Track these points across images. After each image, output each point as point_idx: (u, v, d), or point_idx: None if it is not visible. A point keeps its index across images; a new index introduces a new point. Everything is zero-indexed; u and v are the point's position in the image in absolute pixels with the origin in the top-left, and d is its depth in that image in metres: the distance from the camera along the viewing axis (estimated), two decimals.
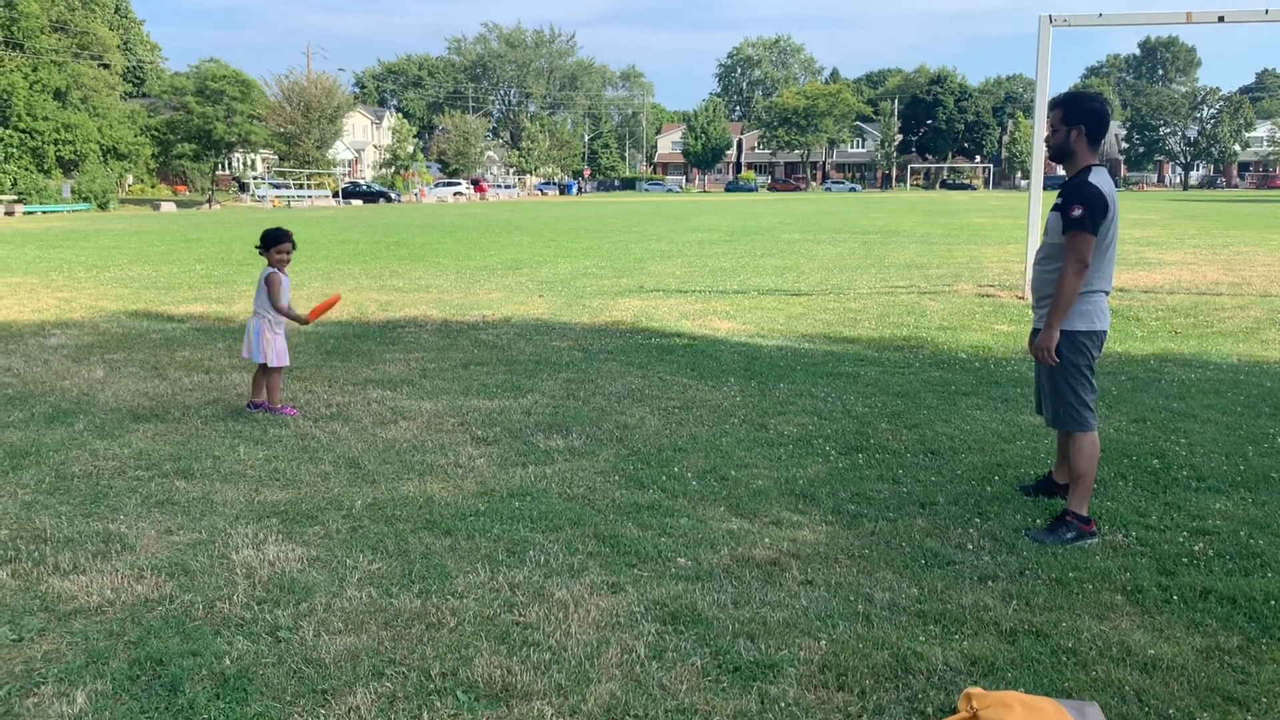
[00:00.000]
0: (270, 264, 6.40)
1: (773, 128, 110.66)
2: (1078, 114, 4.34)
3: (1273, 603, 3.55)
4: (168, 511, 4.55)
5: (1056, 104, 4.42)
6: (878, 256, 18.91)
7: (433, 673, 3.10)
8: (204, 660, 3.16)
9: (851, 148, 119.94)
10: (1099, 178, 4.23)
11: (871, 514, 4.50)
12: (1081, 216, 4.12)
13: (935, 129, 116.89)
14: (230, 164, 72.49)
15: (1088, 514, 4.28)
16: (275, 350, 6.32)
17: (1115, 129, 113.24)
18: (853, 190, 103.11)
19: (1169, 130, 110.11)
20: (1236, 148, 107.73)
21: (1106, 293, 4.34)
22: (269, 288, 6.33)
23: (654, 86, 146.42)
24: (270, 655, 3.21)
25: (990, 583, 3.76)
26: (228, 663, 3.15)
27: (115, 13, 78.51)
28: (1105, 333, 4.34)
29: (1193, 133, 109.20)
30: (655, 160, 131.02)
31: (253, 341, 6.32)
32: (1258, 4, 11.11)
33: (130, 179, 62.55)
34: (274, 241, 6.39)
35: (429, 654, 3.21)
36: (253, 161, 74.42)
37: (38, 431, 5.93)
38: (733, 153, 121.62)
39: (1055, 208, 4.29)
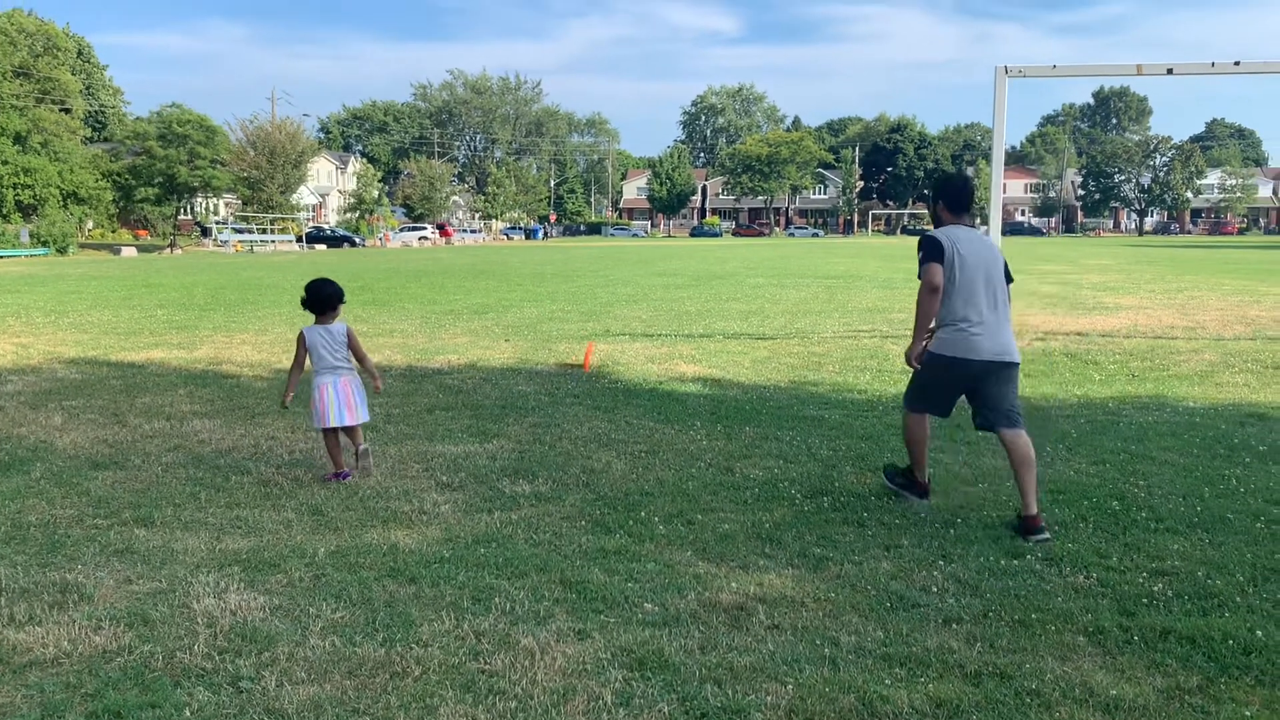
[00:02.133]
0: (334, 319, 5.97)
1: (736, 174, 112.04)
2: (936, 191, 5.56)
3: (1231, 642, 3.60)
4: (127, 560, 4.48)
5: (932, 187, 5.59)
6: (841, 301, 19.11)
7: None
8: (164, 712, 3.11)
9: (814, 194, 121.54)
10: (942, 230, 5.27)
11: (837, 557, 4.52)
12: (921, 259, 5.16)
13: (896, 175, 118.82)
14: (193, 208, 72.13)
15: (914, 477, 5.44)
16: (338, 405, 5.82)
17: (1071, 176, 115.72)
18: (816, 235, 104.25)
19: (1123, 177, 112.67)
20: (1189, 195, 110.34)
21: (971, 323, 5.10)
22: (356, 342, 5.94)
23: (619, 133, 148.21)
24: (232, 706, 3.16)
25: (955, 625, 3.78)
26: (188, 714, 3.10)
27: (78, 57, 78.28)
28: (956, 359, 5.11)
29: (1146, 180, 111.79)
30: (621, 205, 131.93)
31: (357, 401, 5.83)
32: (1203, 56, 11.43)
33: (91, 224, 62.01)
34: (341, 298, 6.01)
35: (393, 703, 3.18)
36: (215, 206, 74.09)
37: None
38: (697, 198, 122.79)
39: None
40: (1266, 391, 8.78)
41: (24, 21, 61.19)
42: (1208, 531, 4.87)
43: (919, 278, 5.13)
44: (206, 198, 68.56)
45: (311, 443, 6.78)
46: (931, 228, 5.47)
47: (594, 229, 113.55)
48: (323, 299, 5.93)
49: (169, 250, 56.40)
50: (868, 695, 3.21)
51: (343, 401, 5.79)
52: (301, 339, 5.89)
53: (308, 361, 5.93)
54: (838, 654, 3.52)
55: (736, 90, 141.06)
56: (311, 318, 5.99)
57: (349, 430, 5.89)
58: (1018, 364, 5.21)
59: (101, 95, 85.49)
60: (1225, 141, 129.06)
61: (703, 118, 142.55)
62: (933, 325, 5.19)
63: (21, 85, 55.66)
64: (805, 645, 3.60)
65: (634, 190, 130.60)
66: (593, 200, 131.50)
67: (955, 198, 5.42)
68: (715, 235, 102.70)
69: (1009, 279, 5.37)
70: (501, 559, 4.48)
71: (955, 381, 5.24)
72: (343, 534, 4.86)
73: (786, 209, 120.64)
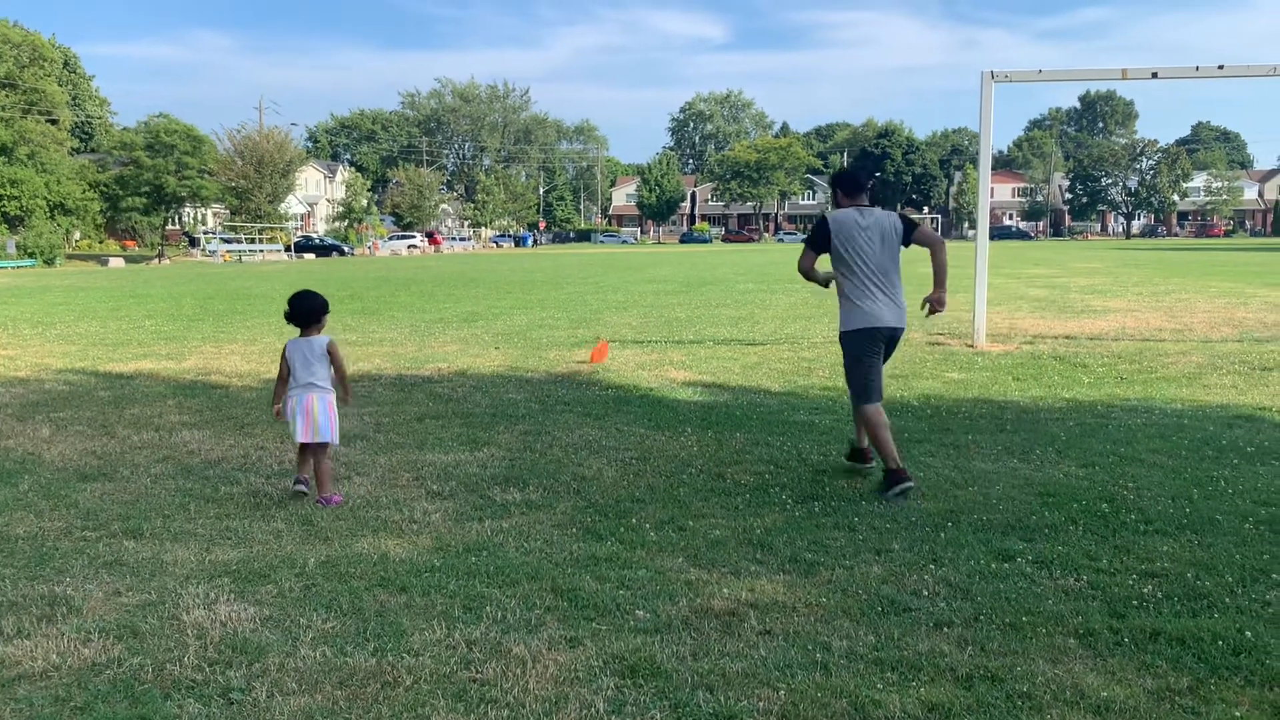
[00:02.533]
0: (318, 331, 5.78)
1: (725, 180, 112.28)
2: (833, 183, 6.52)
3: (1220, 643, 3.61)
4: (116, 572, 4.46)
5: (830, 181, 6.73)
6: (830, 306, 19.10)
7: None
8: None
9: (803, 200, 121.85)
10: (835, 213, 6.07)
11: (828, 562, 4.53)
12: (805, 240, 6.24)
13: (884, 181, 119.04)
14: (180, 218, 71.96)
15: (896, 465, 5.64)
16: (337, 425, 5.73)
17: (1058, 179, 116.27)
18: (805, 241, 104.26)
19: (1110, 181, 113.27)
20: (1175, 198, 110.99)
21: (869, 296, 5.86)
22: (337, 357, 5.74)
23: (608, 140, 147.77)
24: (222, 718, 3.15)
25: (946, 629, 3.79)
26: None
27: (64, 68, 78.07)
28: (863, 329, 5.86)
29: (1133, 183, 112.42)
30: (610, 212, 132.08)
31: (320, 420, 5.59)
32: (1187, 60, 11.52)
33: (78, 235, 61.82)
34: (325, 310, 5.82)
35: (385, 713, 3.17)
36: (203, 216, 73.92)
37: None
38: (687, 205, 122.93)
39: None
40: (1254, 393, 8.83)
41: (9, 32, 61.00)
42: (1197, 533, 4.89)
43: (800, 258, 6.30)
44: (195, 208, 68.40)
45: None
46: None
47: (583, 236, 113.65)
48: (305, 313, 5.76)
49: (157, 260, 56.20)
50: (860, 700, 3.21)
51: (302, 419, 5.57)
52: (284, 352, 5.78)
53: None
54: (829, 659, 3.53)
55: (725, 97, 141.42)
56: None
57: (314, 452, 5.69)
58: (904, 331, 6.03)
59: (88, 106, 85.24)
60: (1211, 144, 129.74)
61: (691, 124, 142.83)
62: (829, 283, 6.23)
63: (7, 96, 55.48)
64: (797, 650, 3.60)
65: (623, 197, 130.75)
66: (582, 207, 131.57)
67: (848, 185, 6.29)
68: (705, 241, 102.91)
69: (914, 239, 5.99)
70: (492, 567, 4.47)
71: (874, 351, 5.90)
72: (333, 544, 4.85)
73: (776, 215, 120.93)
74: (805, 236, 6.27)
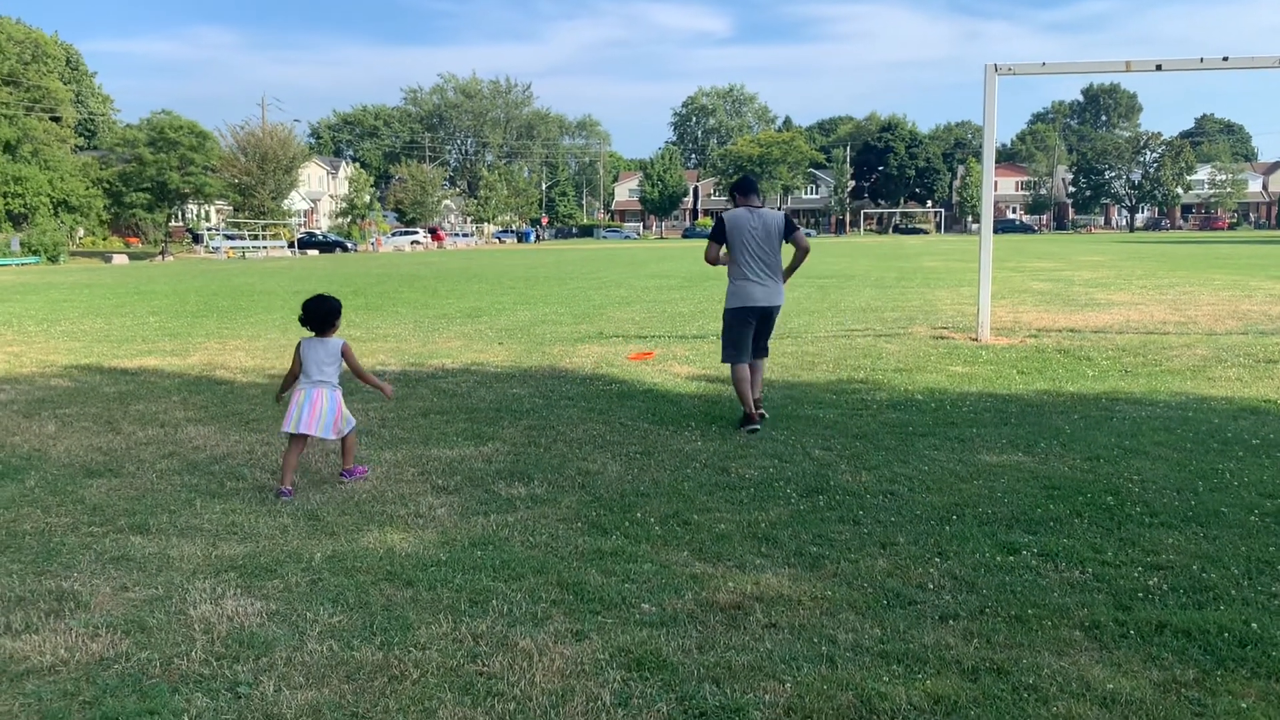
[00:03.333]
0: (332, 334, 5.96)
1: (728, 175, 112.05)
2: (731, 188, 7.89)
3: (1226, 635, 3.62)
4: (123, 568, 4.47)
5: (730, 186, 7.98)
6: (833, 300, 19.14)
7: None
8: (162, 719, 3.11)
9: (805, 194, 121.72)
10: (730, 213, 7.61)
11: (833, 555, 4.53)
12: (708, 235, 7.71)
13: (887, 175, 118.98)
14: (184, 215, 72.00)
15: (750, 411, 7.29)
16: (347, 414, 5.90)
17: (1062, 173, 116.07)
18: (808, 235, 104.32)
19: (1114, 174, 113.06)
20: (1179, 190, 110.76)
21: (748, 280, 7.40)
22: (352, 358, 5.92)
23: (610, 135, 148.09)
24: (230, 712, 3.16)
25: (951, 621, 3.79)
26: None
27: (67, 65, 78.11)
28: (739, 308, 7.44)
29: (1136, 176, 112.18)
30: (613, 207, 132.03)
31: (326, 417, 5.72)
32: (1190, 52, 11.49)
33: (81, 231, 61.90)
34: (339, 313, 6.00)
35: (392, 706, 3.18)
36: (207, 213, 73.96)
37: None
38: (689, 199, 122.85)
39: None
40: (1259, 385, 8.82)
41: (12, 29, 61.08)
42: (1202, 525, 4.89)
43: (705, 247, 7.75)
44: (198, 204, 68.45)
45: (306, 447, 6.77)
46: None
47: (586, 231, 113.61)
48: (320, 316, 5.89)
49: (161, 257, 56.29)
50: (866, 693, 3.22)
51: (308, 410, 5.67)
52: (298, 350, 5.86)
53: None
54: (835, 652, 3.53)
55: (727, 91, 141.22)
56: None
57: (337, 449, 5.90)
58: (780, 308, 7.61)
59: (91, 103, 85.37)
60: (1215, 137, 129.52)
61: (693, 119, 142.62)
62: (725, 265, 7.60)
63: (11, 93, 55.52)
64: (803, 643, 3.61)
65: (626, 192, 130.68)
66: (584, 203, 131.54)
67: (744, 189, 7.73)
68: (708, 236, 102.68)
69: (790, 237, 7.56)
70: (498, 561, 4.48)
71: (746, 325, 7.47)
72: (339, 538, 4.86)
73: (778, 209, 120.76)
74: (709, 233, 7.74)
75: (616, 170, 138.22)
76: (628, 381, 9.45)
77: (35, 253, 49.14)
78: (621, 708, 3.16)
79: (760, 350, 7.64)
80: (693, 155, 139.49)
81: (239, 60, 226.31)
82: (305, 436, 5.73)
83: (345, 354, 5.86)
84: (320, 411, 5.70)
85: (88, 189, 55.98)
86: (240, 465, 6.36)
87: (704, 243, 9.00)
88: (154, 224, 65.66)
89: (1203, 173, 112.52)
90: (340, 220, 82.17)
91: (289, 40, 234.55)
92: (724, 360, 7.62)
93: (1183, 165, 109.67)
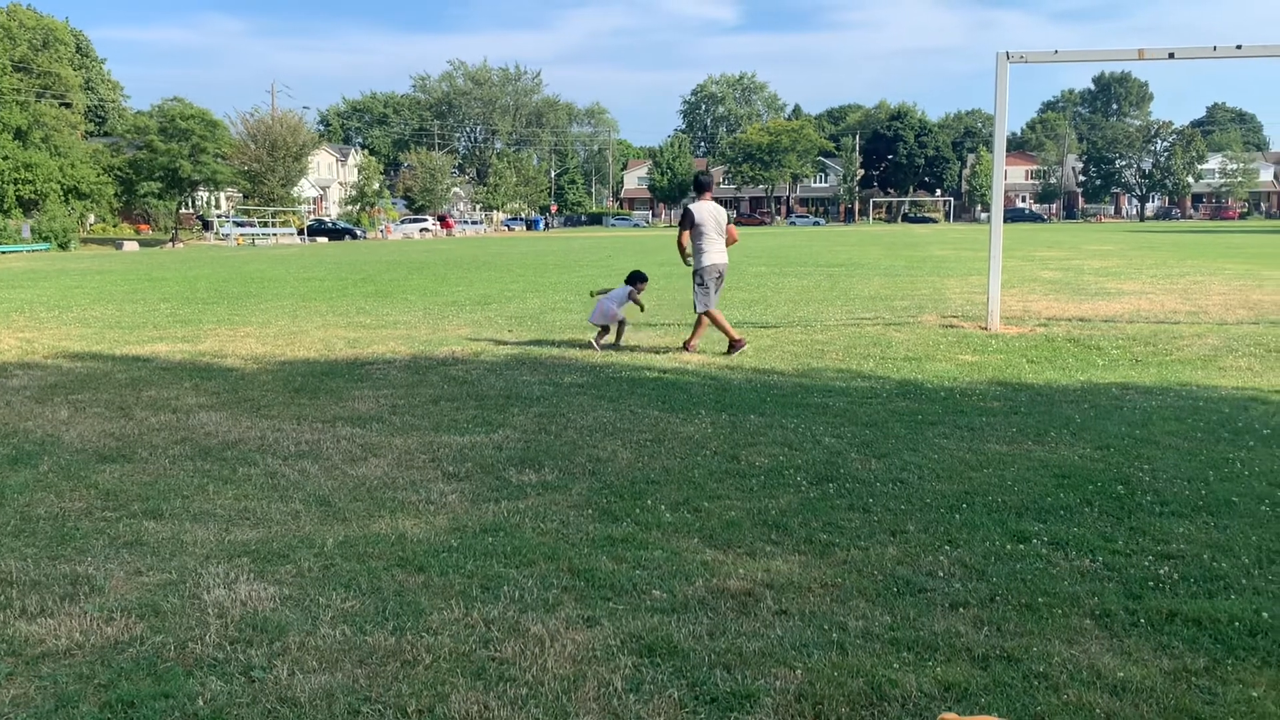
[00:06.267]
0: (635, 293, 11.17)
1: (737, 163, 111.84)
2: (696, 185, 11.22)
3: (1237, 624, 3.62)
4: (137, 552, 4.50)
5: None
6: (843, 289, 19.11)
7: (409, 710, 3.08)
8: (176, 702, 3.13)
9: (815, 182, 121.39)
10: (695, 204, 10.71)
11: (843, 543, 4.54)
12: (679, 224, 10.78)
13: (896, 163, 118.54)
14: (194, 202, 72.09)
15: (735, 338, 10.48)
16: (608, 312, 10.97)
17: (1072, 162, 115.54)
18: (817, 224, 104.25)
19: (1124, 163, 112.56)
20: (1190, 180, 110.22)
21: (709, 250, 10.57)
22: (632, 300, 11.18)
23: (619, 123, 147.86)
24: (244, 695, 3.18)
25: (961, 609, 3.80)
26: (200, 704, 3.13)
27: (77, 51, 78.19)
28: (710, 265, 10.57)
29: (1147, 165, 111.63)
30: (621, 196, 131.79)
31: (596, 314, 11.05)
32: (1205, 40, 11.41)
33: (92, 218, 62.00)
34: (641, 279, 11.36)
35: (405, 691, 3.20)
36: (217, 200, 74.03)
37: (1, 474, 5.85)
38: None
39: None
40: (1270, 375, 8.79)
41: (23, 16, 61.16)
42: (1212, 515, 4.88)
43: (679, 233, 10.76)
44: (209, 191, 68.52)
45: (317, 434, 6.81)
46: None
47: (595, 219, 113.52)
48: (630, 278, 11.34)
49: (171, 244, 56.41)
50: (876, 679, 3.23)
51: (595, 311, 11.13)
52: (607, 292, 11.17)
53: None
54: (845, 639, 3.54)
55: (737, 79, 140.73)
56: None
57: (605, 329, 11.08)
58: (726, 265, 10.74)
59: (101, 90, 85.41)
60: (1226, 126, 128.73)
61: (703, 107, 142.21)
62: (690, 256, 10.66)
63: (21, 80, 55.57)
64: (813, 630, 3.62)
65: (635, 180, 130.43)
66: (593, 190, 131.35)
67: (705, 185, 11.05)
68: (680, 225, 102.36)
69: (728, 220, 10.80)
70: (509, 547, 4.50)
71: (716, 277, 10.58)
72: (351, 524, 4.88)
73: (788, 198, 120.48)
74: (678, 223, 10.91)
75: (625, 158, 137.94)
76: (638, 369, 9.46)
77: (45, 239, 49.23)
78: (633, 693, 3.18)
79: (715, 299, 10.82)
80: (702, 143, 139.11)
81: (248, 47, 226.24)
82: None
83: (631, 296, 11.13)
84: (601, 311, 11.01)
85: (98, 176, 56.00)
86: (252, 451, 6.39)
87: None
88: (165, 211, 65.78)
89: (1214, 162, 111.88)
90: (350, 208, 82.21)
91: (299, 27, 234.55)
92: (707, 308, 10.52)
93: (1194, 154, 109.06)
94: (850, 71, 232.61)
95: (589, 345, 10.96)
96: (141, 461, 6.14)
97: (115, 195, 58.62)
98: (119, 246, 52.32)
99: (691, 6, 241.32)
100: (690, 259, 10.63)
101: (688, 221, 10.58)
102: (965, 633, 3.58)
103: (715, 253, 10.57)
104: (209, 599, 3.93)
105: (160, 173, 57.43)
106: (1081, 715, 3.03)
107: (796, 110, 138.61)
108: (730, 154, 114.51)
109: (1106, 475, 5.58)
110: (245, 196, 67.98)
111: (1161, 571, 4.14)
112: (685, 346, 10.63)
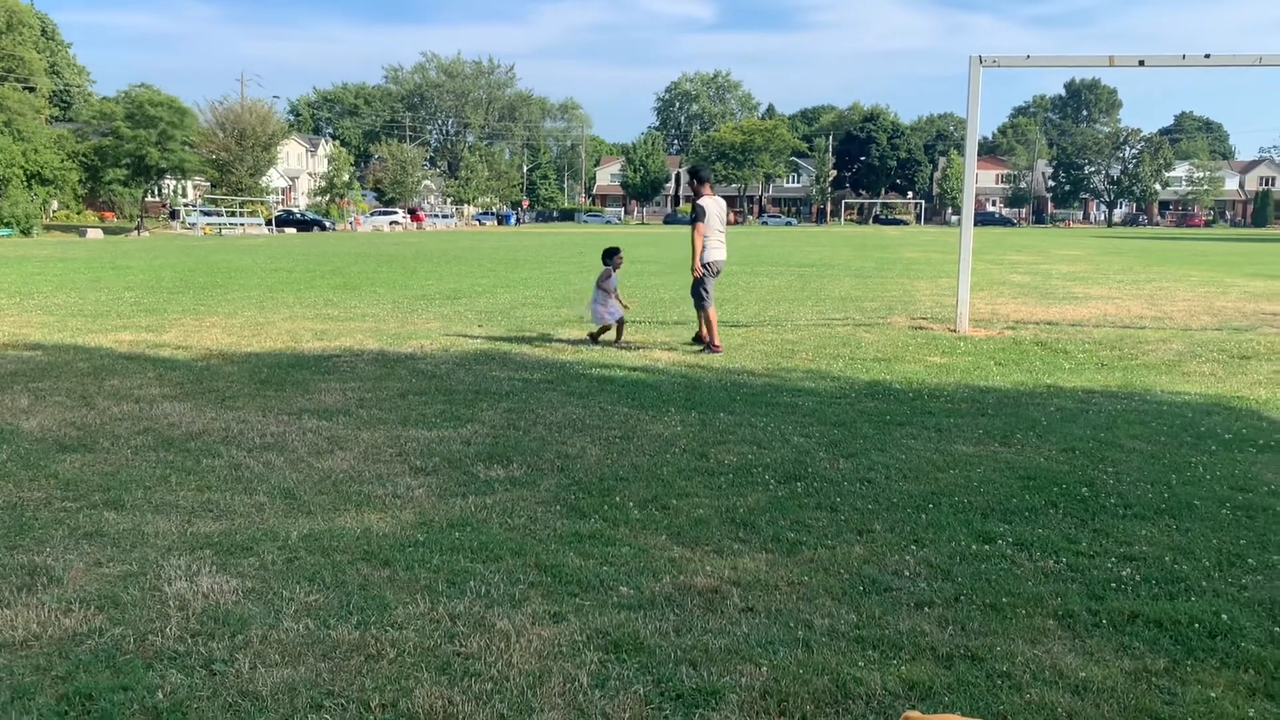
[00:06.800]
0: (613, 269, 11.02)
1: (710, 162, 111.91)
2: (690, 176, 11.04)
3: (1197, 626, 3.66)
4: (97, 543, 4.43)
5: (688, 173, 11.33)
6: (814, 289, 19.19)
7: (372, 704, 3.06)
8: (135, 695, 3.09)
9: (787, 183, 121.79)
10: (705, 200, 10.65)
11: (810, 542, 4.55)
12: (692, 219, 10.70)
13: (869, 165, 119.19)
14: (160, 190, 71.21)
15: (717, 344, 10.42)
16: (609, 310, 10.78)
17: (1042, 167, 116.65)
18: (789, 224, 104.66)
19: (1093, 169, 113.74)
20: (1157, 187, 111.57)
21: (715, 245, 10.68)
22: (605, 280, 10.85)
23: (592, 119, 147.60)
24: (205, 688, 3.14)
25: (927, 608, 3.82)
26: (160, 697, 3.08)
27: (42, 34, 77.01)
28: (712, 262, 10.69)
29: (1115, 172, 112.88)
30: (594, 192, 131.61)
31: (596, 311, 10.83)
32: (1171, 50, 11.58)
33: (55, 205, 61.10)
34: (614, 253, 11.26)
35: (368, 685, 3.17)
36: (184, 188, 73.18)
37: None
38: (671, 186, 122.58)
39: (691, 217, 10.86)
40: (1232, 381, 8.91)
41: None
42: (1174, 517, 4.94)
43: (692, 228, 10.71)
44: (176, 180, 67.73)
45: (283, 426, 6.74)
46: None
47: (567, 215, 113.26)
48: (605, 254, 11.24)
49: (136, 233, 55.69)
50: (841, 677, 3.24)
51: (595, 315, 10.94)
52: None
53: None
54: (811, 636, 3.55)
55: (711, 77, 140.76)
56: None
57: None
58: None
59: (66, 74, 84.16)
60: (1193, 134, 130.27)
61: (677, 104, 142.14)
62: (701, 250, 10.60)
63: None
64: (779, 628, 3.62)
65: (607, 177, 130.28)
66: (566, 186, 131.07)
67: (701, 179, 10.83)
68: (689, 223, 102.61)
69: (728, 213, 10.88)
70: (476, 543, 4.47)
71: (715, 275, 10.71)
72: (316, 517, 4.84)
73: (760, 197, 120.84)
74: (691, 218, 10.82)
75: (598, 155, 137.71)
76: (608, 366, 9.44)
77: (7, 225, 48.46)
78: (598, 689, 3.17)
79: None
80: (675, 141, 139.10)
81: (218, 34, 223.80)
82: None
83: (607, 277, 10.87)
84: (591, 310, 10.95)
85: (62, 161, 55.16)
86: (215, 443, 6.31)
87: (685, 229, 11.87)
88: (130, 199, 64.93)
89: (1181, 170, 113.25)
90: (319, 199, 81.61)
91: (270, 15, 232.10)
92: (702, 304, 10.60)
93: (1161, 162, 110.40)
94: (824, 72, 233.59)
95: (576, 342, 11.00)
96: (103, 451, 6.06)
97: (80, 182, 57.81)
98: (83, 234, 51.59)
99: (668, 3, 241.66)
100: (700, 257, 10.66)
101: (700, 216, 10.55)
102: (930, 632, 3.60)
103: (718, 248, 10.68)
104: (170, 591, 3.88)
105: (126, 160, 56.66)
106: (1044, 715, 3.05)
107: (770, 110, 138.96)
108: (704, 152, 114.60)
109: (1071, 478, 5.63)
110: (213, 185, 67.26)
111: (1124, 573, 4.18)
112: (710, 347, 10.35)
